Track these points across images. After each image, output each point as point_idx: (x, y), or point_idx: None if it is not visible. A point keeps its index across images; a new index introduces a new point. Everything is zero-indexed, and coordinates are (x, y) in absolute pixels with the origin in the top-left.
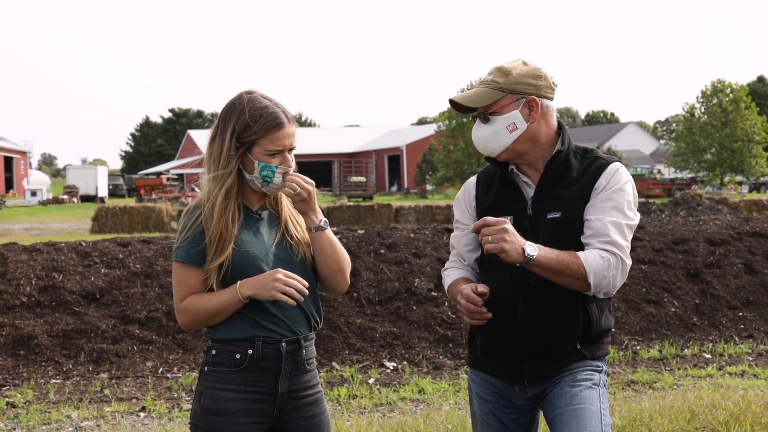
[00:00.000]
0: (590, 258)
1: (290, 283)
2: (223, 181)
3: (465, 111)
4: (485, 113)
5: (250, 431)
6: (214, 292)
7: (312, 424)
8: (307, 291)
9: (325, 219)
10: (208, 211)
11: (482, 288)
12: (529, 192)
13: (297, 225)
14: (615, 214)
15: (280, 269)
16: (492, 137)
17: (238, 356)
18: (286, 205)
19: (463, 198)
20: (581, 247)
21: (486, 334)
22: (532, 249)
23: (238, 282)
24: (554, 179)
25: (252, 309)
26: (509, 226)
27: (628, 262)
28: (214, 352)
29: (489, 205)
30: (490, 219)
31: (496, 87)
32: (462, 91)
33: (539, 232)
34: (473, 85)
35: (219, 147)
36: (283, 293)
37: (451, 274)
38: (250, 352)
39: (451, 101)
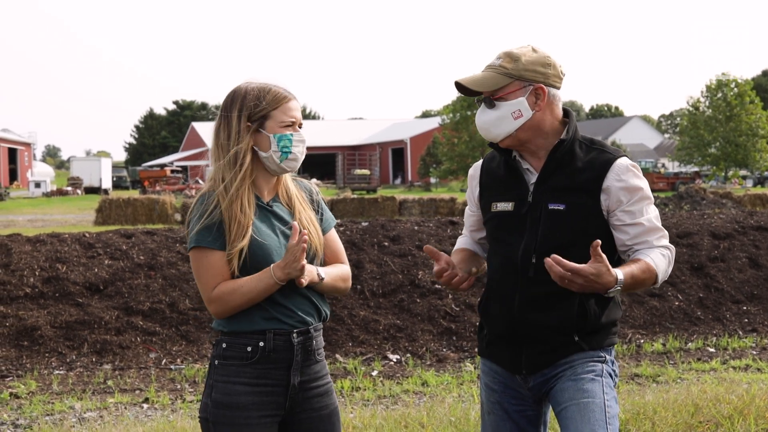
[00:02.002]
0: (658, 263)
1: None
2: (241, 160)
3: (470, 94)
4: (491, 98)
5: (263, 425)
6: (247, 278)
7: (323, 415)
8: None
9: (322, 275)
10: (225, 194)
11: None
12: (531, 179)
13: (310, 220)
14: (651, 209)
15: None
16: (496, 123)
17: (249, 349)
18: (297, 198)
19: (470, 181)
20: (581, 239)
21: (489, 323)
22: (614, 293)
23: (272, 266)
24: (557, 169)
25: (262, 300)
26: (594, 268)
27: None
28: (224, 345)
29: (491, 192)
30: (574, 268)
31: (503, 72)
32: None
33: (539, 221)
34: None
35: (226, 131)
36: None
37: (458, 242)
38: (261, 344)
39: (457, 83)
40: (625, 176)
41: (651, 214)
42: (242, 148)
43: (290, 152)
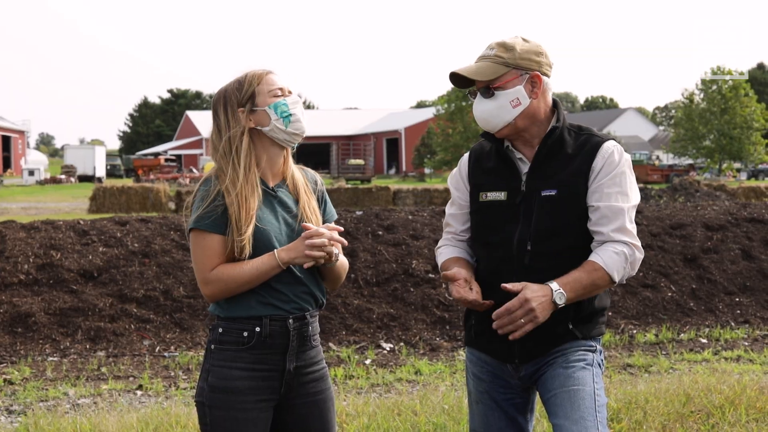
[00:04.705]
0: (608, 261)
1: (317, 244)
2: (237, 143)
3: (464, 86)
4: (490, 87)
5: (258, 409)
6: (245, 261)
7: (318, 400)
8: (342, 240)
9: (338, 252)
10: (229, 185)
11: (482, 299)
12: (524, 168)
13: (314, 211)
14: (622, 199)
15: (309, 232)
16: (495, 112)
17: (245, 334)
18: (303, 187)
19: (458, 175)
20: (576, 224)
21: (481, 314)
22: (560, 297)
23: (276, 250)
24: (549, 156)
25: (259, 286)
26: (529, 295)
27: (639, 245)
28: (220, 330)
29: (479, 182)
30: (511, 306)
31: (501, 62)
32: None
33: (533, 209)
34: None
35: (216, 127)
36: (316, 254)
37: (444, 252)
38: (257, 329)
39: (453, 74)
40: (608, 158)
41: (616, 203)
42: (234, 134)
43: (291, 114)
